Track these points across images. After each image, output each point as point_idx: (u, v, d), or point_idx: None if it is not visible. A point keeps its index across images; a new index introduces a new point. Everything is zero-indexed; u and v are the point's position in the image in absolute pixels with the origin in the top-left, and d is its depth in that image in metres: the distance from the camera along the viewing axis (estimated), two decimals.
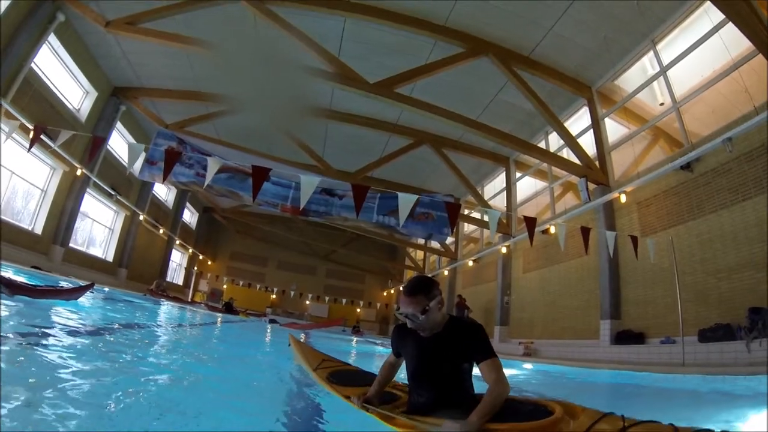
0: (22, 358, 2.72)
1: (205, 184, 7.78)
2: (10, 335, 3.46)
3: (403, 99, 10.70)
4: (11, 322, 4.33)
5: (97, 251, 17.80)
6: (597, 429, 1.95)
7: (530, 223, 7.83)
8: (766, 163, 7.31)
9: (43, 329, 4.35)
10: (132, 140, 17.30)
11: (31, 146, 8.69)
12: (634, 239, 8.16)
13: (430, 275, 23.27)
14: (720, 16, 8.02)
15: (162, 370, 3.63)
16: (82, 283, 8.46)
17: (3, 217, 11.75)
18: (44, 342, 3.59)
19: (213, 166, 7.14)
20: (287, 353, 5.46)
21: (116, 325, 6.60)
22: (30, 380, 2.06)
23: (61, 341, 3.83)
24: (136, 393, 2.52)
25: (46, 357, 2.92)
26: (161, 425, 1.94)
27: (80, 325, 5.32)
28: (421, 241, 24.46)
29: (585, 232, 8.07)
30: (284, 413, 2.80)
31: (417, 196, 7.08)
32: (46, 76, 12.26)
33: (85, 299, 7.97)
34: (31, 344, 3.31)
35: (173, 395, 2.74)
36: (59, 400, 1.91)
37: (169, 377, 3.36)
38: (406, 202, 6.97)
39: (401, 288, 2.72)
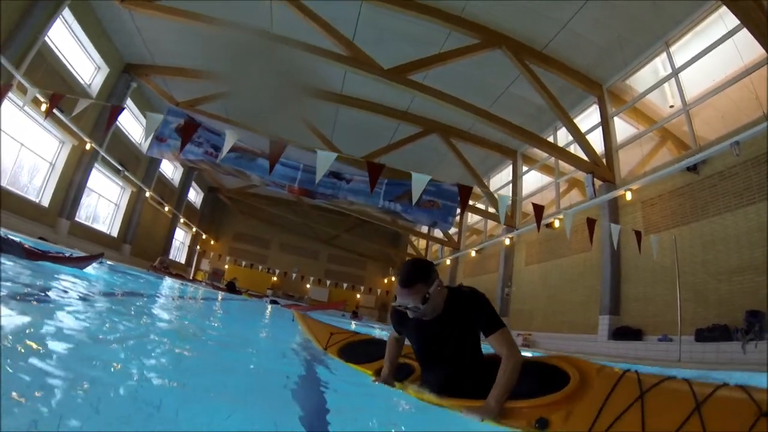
0: (27, 314, 2.74)
1: (223, 153, 7.91)
2: (18, 292, 3.61)
3: (416, 86, 10.76)
4: (22, 281, 4.50)
5: (100, 228, 17.96)
6: (616, 394, 1.88)
7: (538, 210, 7.97)
8: None
9: (51, 290, 4.55)
10: (142, 117, 17.42)
11: (48, 114, 8.84)
12: (638, 234, 8.33)
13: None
14: (734, 21, 8.02)
15: (165, 336, 3.56)
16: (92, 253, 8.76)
17: (11, 188, 11.92)
18: (50, 301, 3.71)
19: (230, 138, 7.23)
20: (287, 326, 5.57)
21: (120, 292, 6.85)
22: (31, 339, 2.05)
23: (65, 302, 3.93)
24: (138, 355, 2.41)
25: (49, 315, 2.94)
26: (166, 391, 1.88)
27: (86, 289, 5.49)
28: (425, 229, 24.60)
29: (591, 223, 8.21)
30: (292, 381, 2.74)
31: (430, 177, 7.17)
32: (59, 51, 12.29)
33: (91, 269, 8.24)
34: (36, 301, 3.43)
35: (177, 361, 2.67)
36: (57, 359, 1.90)
37: (172, 343, 3.27)
38: (419, 181, 7.06)
39: (394, 278, 2.46)
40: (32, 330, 2.31)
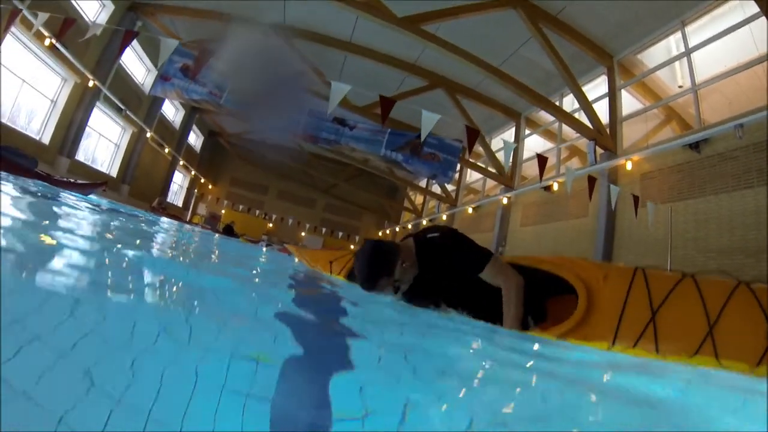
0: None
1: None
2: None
3: (428, 36, 10.69)
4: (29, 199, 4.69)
5: (99, 168, 17.84)
6: (625, 319, 1.81)
7: (542, 161, 8.19)
8: None
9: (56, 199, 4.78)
10: (146, 57, 17.09)
11: (60, 37, 8.71)
12: (636, 198, 8.57)
13: (427, 219, 23.71)
14: (754, 9, 8.02)
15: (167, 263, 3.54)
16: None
17: (10, 124, 11.91)
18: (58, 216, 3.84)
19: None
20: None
21: (121, 211, 7.12)
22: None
23: (73, 218, 4.01)
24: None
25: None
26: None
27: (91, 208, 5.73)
28: (423, 184, 24.75)
29: (591, 181, 8.46)
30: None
31: (439, 116, 7.41)
32: None
33: (94, 197, 8.57)
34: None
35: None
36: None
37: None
38: (428, 119, 7.29)
39: (355, 269, 2.26)
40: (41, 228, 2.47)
